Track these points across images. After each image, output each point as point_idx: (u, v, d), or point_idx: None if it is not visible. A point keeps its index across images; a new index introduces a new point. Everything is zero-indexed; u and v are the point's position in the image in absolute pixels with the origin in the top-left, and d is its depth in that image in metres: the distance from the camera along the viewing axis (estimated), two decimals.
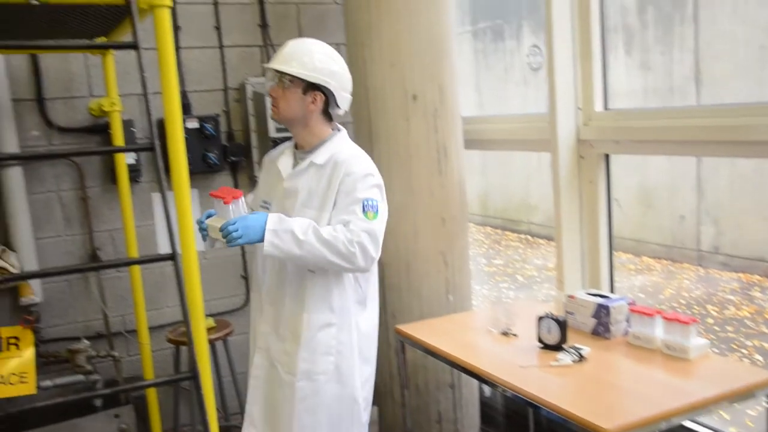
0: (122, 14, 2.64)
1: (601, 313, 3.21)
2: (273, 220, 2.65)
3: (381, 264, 4.19)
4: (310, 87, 2.81)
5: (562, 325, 3.05)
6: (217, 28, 4.60)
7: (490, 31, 13.60)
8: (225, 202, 2.63)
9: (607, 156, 3.89)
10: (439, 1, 4.07)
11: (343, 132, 3.04)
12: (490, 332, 3.43)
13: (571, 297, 3.42)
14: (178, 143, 2.62)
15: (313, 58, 2.82)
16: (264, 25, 4.74)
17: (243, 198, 2.71)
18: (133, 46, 2.33)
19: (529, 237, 12.85)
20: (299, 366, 2.86)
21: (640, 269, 9.88)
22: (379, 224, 2.80)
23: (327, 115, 2.91)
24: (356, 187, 2.78)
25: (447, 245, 4.19)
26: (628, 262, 10.08)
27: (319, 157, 2.89)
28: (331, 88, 2.83)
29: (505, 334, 3.37)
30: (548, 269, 10.47)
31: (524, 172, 12.73)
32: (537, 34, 12.43)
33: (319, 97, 2.83)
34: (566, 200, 3.97)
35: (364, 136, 4.21)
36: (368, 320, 3.03)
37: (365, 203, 2.77)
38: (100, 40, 3.58)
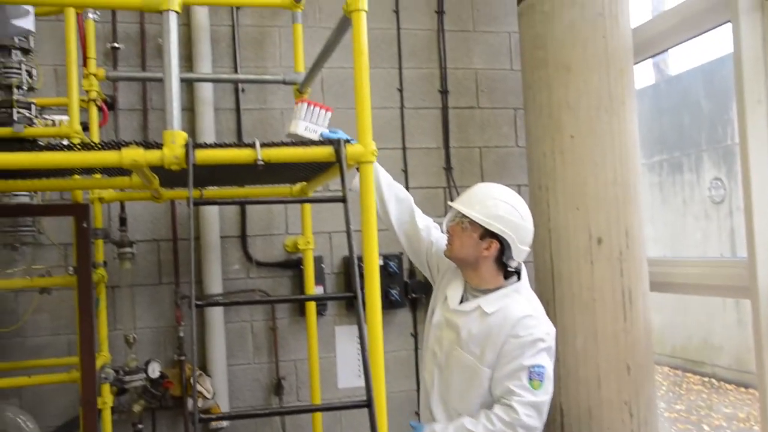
0: (329, 165, 2.87)
1: None
2: None
3: (559, 409, 4.03)
4: (488, 234, 2.81)
5: None
6: (404, 170, 4.86)
7: (667, 164, 13.26)
8: None
9: None
10: (625, 145, 4.08)
11: (521, 283, 2.93)
12: None
13: None
14: (373, 283, 2.72)
15: (497, 206, 2.83)
16: (448, 168, 4.95)
17: None
18: (342, 200, 2.52)
19: (714, 381, 11.80)
20: None
21: None
22: (545, 394, 2.71)
23: (500, 264, 2.87)
24: (523, 353, 2.71)
25: (632, 394, 3.97)
26: None
27: (489, 305, 2.83)
28: (509, 240, 2.81)
29: None
30: (740, 419, 9.51)
31: (705, 309, 11.91)
32: (719, 166, 11.95)
33: (495, 246, 2.82)
34: None
35: (546, 277, 4.18)
36: None
37: (532, 371, 2.69)
38: (302, 185, 3.89)
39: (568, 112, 4.10)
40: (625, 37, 4.19)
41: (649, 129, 13.17)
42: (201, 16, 4.46)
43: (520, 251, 2.86)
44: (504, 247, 2.83)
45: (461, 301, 2.95)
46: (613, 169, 4.04)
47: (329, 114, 3.01)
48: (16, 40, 3.39)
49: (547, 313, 3.48)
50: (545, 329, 2.80)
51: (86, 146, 2.52)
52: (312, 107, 2.98)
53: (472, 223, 2.82)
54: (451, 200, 4.86)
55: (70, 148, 2.50)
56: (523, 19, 4.41)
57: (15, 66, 3.38)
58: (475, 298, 2.91)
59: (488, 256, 2.84)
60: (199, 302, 2.35)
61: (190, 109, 4.49)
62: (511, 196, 2.94)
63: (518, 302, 2.85)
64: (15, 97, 3.38)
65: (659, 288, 4.44)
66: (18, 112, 3.37)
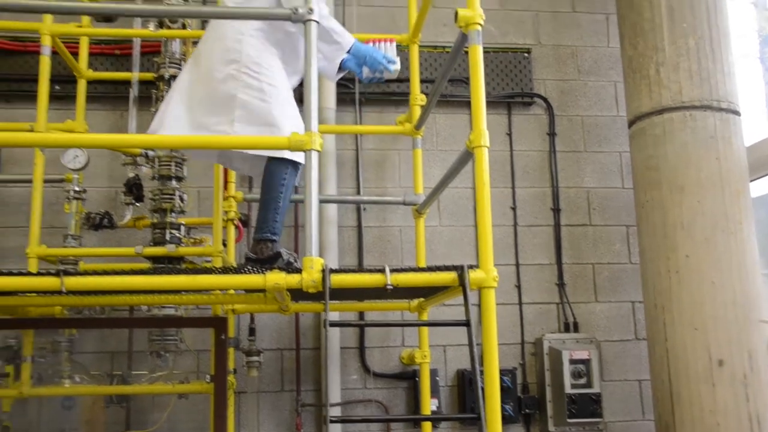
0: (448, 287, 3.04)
1: None
2: None
3: None
4: None
5: None
6: (518, 286, 4.98)
7: None
8: None
9: None
10: (744, 264, 4.07)
11: None
12: None
13: None
14: (494, 403, 2.81)
15: None
16: (561, 284, 5.03)
17: None
18: (466, 324, 2.68)
19: None
20: None
21: None
22: None
23: None
24: None
25: None
26: None
27: None
28: None
29: None
30: None
31: None
32: None
33: None
34: None
35: (664, 398, 4.12)
36: None
37: None
38: (420, 300, 4.08)
39: (682, 232, 4.14)
40: (739, 158, 4.25)
41: None
42: (329, 142, 4.86)
43: None
44: None
45: None
46: (732, 289, 4.01)
47: (393, 43, 3.40)
48: (173, 169, 3.85)
49: None
50: None
51: (236, 270, 2.82)
52: (380, 44, 3.26)
53: None
54: (565, 317, 4.94)
55: (224, 271, 2.80)
56: (634, 141, 4.54)
57: (170, 192, 3.83)
58: None
59: None
60: (333, 417, 2.52)
61: None
62: None
63: None
64: (169, 219, 3.81)
65: None
66: (170, 233, 3.80)
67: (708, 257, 4.08)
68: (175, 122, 3.12)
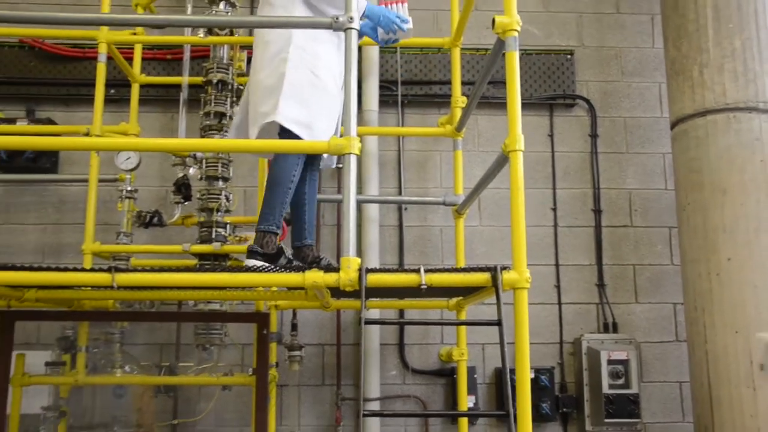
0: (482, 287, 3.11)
1: None
2: None
3: None
4: None
5: None
6: (557, 286, 5.01)
7: None
8: None
9: None
10: None
11: None
12: None
13: None
14: (525, 400, 2.87)
15: None
16: (601, 285, 5.04)
17: None
18: (498, 323, 2.75)
19: None
20: None
21: None
22: None
23: None
24: None
25: None
26: None
27: None
28: None
29: None
30: None
31: None
32: None
33: None
34: None
35: (704, 400, 4.11)
36: None
37: None
38: (458, 299, 4.15)
39: (724, 234, 4.13)
40: None
41: None
42: (371, 144, 4.97)
43: None
44: None
45: None
46: None
47: (406, 3, 3.43)
48: (219, 170, 4.00)
49: None
50: None
51: (276, 269, 2.95)
52: (394, 5, 3.37)
53: None
54: (604, 317, 4.95)
55: (266, 270, 2.93)
56: (676, 143, 4.53)
57: (217, 192, 3.98)
58: None
59: None
60: (366, 411, 2.62)
61: (357, 225, 4.92)
62: None
63: None
64: (215, 218, 3.96)
65: None
66: (216, 231, 3.95)
67: (750, 260, 4.06)
68: (235, 130, 3.38)
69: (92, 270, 2.97)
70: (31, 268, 3.02)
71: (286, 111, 3.14)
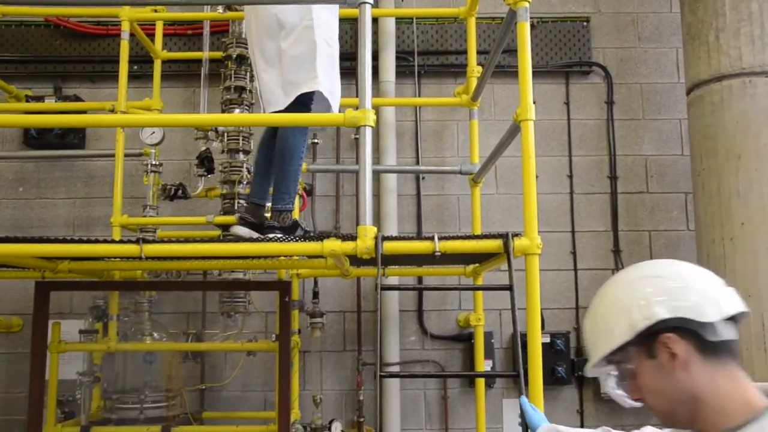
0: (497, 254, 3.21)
1: None
2: None
3: None
4: (644, 339, 1.48)
5: None
6: (573, 253, 5.09)
7: None
8: None
9: None
10: None
11: None
12: None
13: None
14: (536, 362, 2.98)
15: (631, 293, 1.55)
16: (617, 250, 5.11)
17: None
18: (509, 288, 2.86)
19: None
20: None
21: None
22: None
23: (712, 356, 1.45)
24: None
25: None
26: None
27: None
28: (684, 315, 1.45)
29: None
30: None
31: None
32: None
33: (675, 342, 1.45)
34: None
35: None
36: None
37: None
38: (475, 265, 4.25)
39: (738, 200, 4.17)
40: None
41: None
42: (388, 114, 5.05)
43: (713, 327, 1.45)
44: (690, 333, 1.46)
45: None
46: None
47: None
48: (241, 143, 4.11)
49: None
50: None
51: (295, 238, 3.07)
52: None
53: (624, 351, 1.52)
54: None
55: (284, 239, 3.05)
56: (692, 109, 4.55)
57: (239, 165, 4.09)
58: None
59: (680, 364, 1.46)
60: (383, 373, 2.74)
61: (375, 194, 5.03)
62: (647, 269, 1.62)
63: None
64: (237, 190, 4.08)
65: None
66: (238, 203, 4.07)
67: (763, 225, 4.10)
68: (272, 96, 3.45)
69: (121, 242, 3.11)
70: (64, 240, 3.18)
71: (324, 81, 3.31)
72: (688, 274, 1.54)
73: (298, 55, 3.36)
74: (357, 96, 5.03)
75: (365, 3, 2.99)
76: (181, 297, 5.00)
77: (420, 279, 4.97)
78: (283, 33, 3.40)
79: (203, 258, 3.43)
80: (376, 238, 2.91)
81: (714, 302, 1.47)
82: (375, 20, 4.88)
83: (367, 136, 2.95)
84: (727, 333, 1.46)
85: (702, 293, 1.48)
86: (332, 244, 2.94)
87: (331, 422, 4.56)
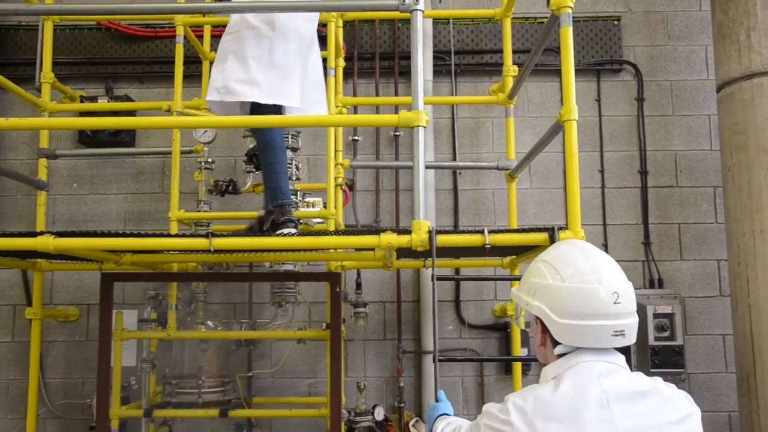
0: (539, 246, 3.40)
1: None
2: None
3: None
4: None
5: None
6: (605, 245, 5.26)
7: None
8: None
9: None
10: None
11: (575, 369, 1.88)
12: None
13: None
14: None
15: (529, 271, 2.05)
16: (647, 243, 5.29)
17: None
18: None
19: None
20: None
21: None
22: None
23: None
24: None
25: None
26: None
27: None
28: (539, 313, 1.95)
29: None
30: None
31: None
32: None
33: (537, 328, 2.02)
34: None
35: (746, 351, 4.35)
36: None
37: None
38: (512, 257, 4.44)
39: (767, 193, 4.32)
40: None
41: None
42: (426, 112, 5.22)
43: (560, 327, 1.89)
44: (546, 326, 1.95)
45: None
46: None
47: None
48: (290, 140, 4.31)
49: (748, 388, 3.65)
50: (520, 411, 1.83)
51: (353, 232, 3.27)
52: None
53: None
54: (650, 274, 5.19)
55: (344, 233, 3.26)
56: (722, 106, 4.69)
57: (287, 162, 4.28)
58: None
59: (543, 350, 2.02)
60: (441, 357, 2.93)
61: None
62: (555, 250, 2.09)
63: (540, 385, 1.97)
64: None
65: None
66: None
67: None
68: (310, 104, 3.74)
69: (191, 235, 3.33)
70: (128, 235, 3.40)
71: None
72: (581, 275, 1.93)
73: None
74: (395, 95, 5.31)
75: (417, 10, 3.18)
76: (228, 288, 5.23)
77: (457, 270, 5.17)
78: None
79: (263, 250, 3.63)
80: (429, 231, 3.11)
81: (570, 314, 1.91)
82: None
83: (421, 136, 3.15)
84: (562, 337, 1.92)
85: (570, 298, 1.91)
86: (389, 237, 3.13)
87: (374, 407, 4.79)
